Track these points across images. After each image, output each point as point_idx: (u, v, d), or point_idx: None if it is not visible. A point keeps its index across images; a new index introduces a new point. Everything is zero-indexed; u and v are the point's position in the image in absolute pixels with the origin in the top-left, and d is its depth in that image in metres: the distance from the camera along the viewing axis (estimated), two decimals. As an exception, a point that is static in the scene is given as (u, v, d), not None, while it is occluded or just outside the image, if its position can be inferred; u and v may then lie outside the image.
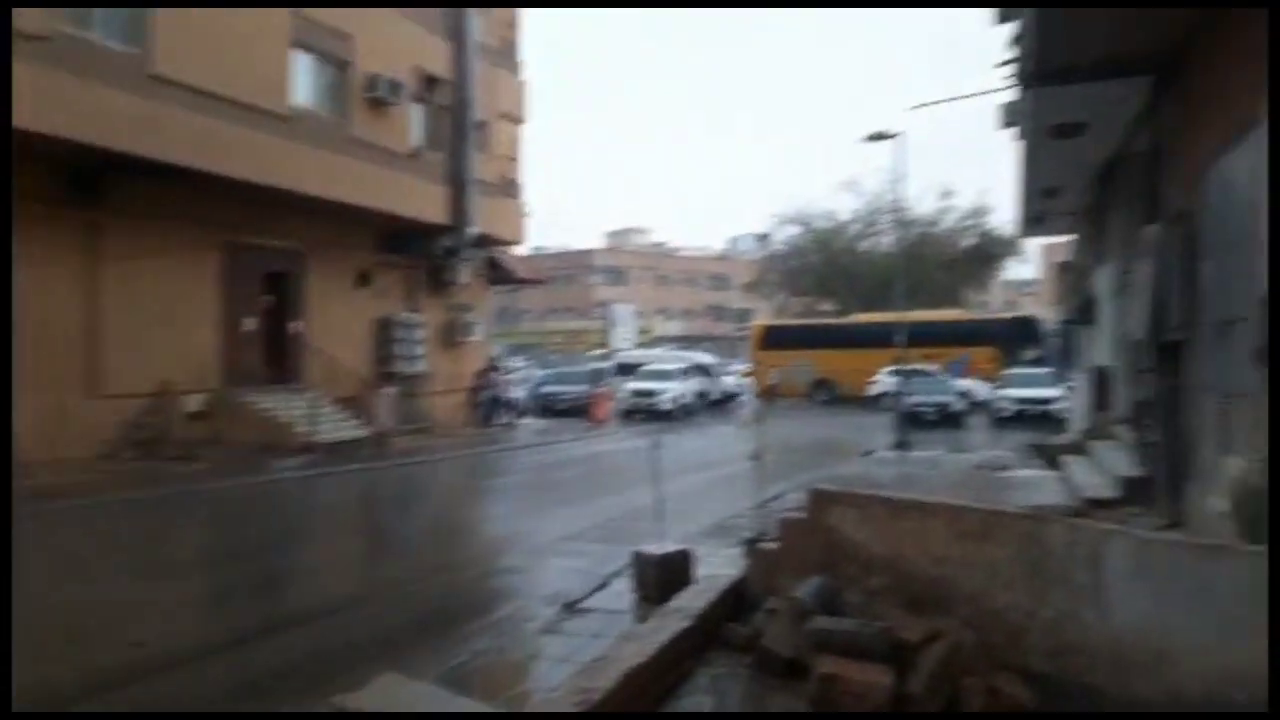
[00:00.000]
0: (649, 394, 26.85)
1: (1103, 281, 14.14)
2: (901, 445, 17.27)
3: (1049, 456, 13.84)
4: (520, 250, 32.17)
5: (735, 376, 30.36)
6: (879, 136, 19.85)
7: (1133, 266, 11.69)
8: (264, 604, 6.61)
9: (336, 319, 19.52)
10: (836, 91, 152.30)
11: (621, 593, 6.34)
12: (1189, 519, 7.10)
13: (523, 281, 28.29)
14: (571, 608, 6.07)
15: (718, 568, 6.63)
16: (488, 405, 23.53)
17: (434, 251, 21.86)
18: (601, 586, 6.57)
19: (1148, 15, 6.94)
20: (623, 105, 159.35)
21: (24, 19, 12.34)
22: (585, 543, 8.61)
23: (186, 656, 5.36)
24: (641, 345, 53.68)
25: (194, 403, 16.05)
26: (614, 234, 79.43)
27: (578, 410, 26.91)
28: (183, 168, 14.84)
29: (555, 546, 8.39)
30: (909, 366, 26.70)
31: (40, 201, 13.78)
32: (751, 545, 7.45)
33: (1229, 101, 6.23)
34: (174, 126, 14.54)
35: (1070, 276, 16.29)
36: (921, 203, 47.15)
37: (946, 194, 48.52)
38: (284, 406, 16.45)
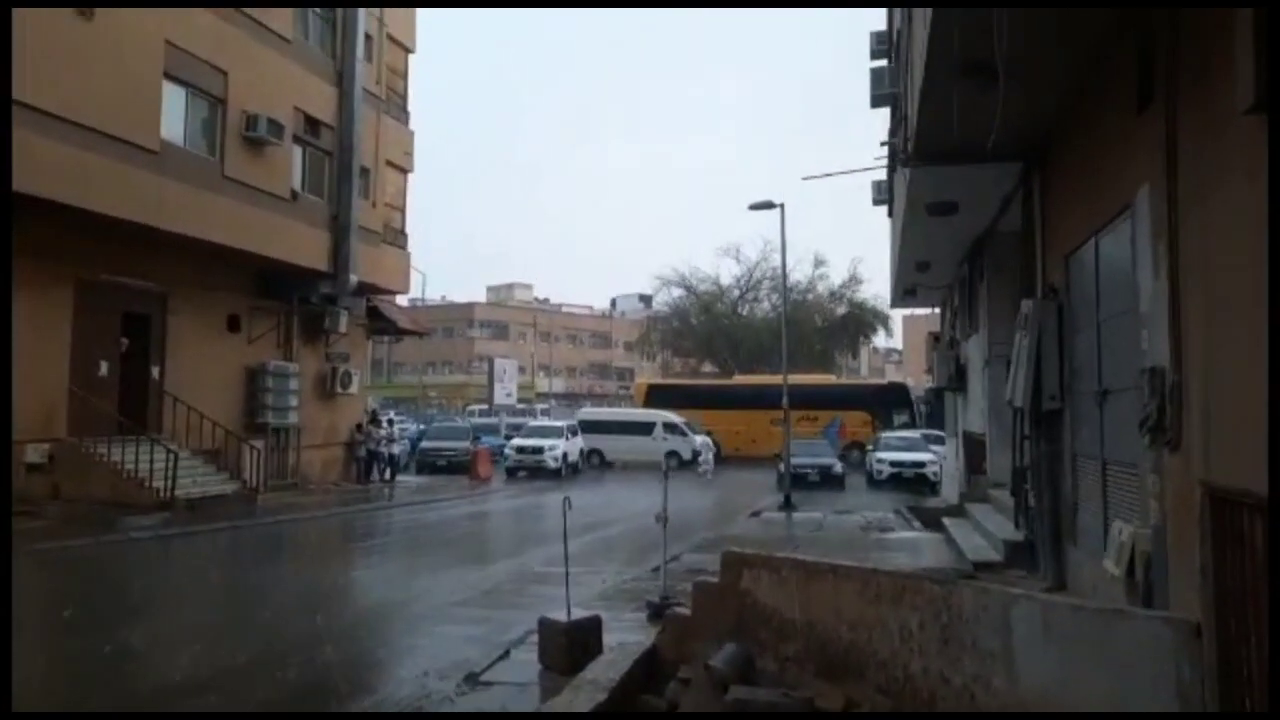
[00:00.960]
0: (535, 451, 26.36)
1: (973, 352, 15.00)
2: (787, 506, 17.56)
3: (928, 518, 14.36)
4: (399, 300, 31.41)
5: (702, 435, 30.49)
6: (763, 205, 20.58)
7: (1003, 338, 12.45)
8: (111, 685, 5.88)
9: (203, 365, 18.26)
10: (718, 157, 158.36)
11: (526, 662, 6.01)
12: (1072, 581, 7.42)
13: (404, 332, 27.49)
14: (473, 680, 5.69)
15: (623, 634, 6.42)
16: (365, 460, 22.50)
17: (311, 298, 20.96)
18: (503, 656, 6.20)
19: (1020, 108, 7.44)
20: (506, 158, 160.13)
21: None
22: (478, 608, 8.18)
23: None
24: (524, 400, 53.05)
25: (35, 453, 14.54)
26: (495, 289, 78.91)
27: (458, 467, 26.14)
28: (32, 197, 13.65)
29: (447, 612, 7.92)
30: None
31: None
32: (657, 610, 7.30)
33: (1101, 187, 6.73)
34: (26, 153, 13.39)
35: (941, 346, 17.20)
36: (797, 270, 49.26)
37: (820, 263, 50.97)
38: (139, 459, 15.12)
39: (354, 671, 6.20)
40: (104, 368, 16.30)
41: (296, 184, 19.87)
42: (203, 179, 16.99)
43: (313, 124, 20.37)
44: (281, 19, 19.17)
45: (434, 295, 69.44)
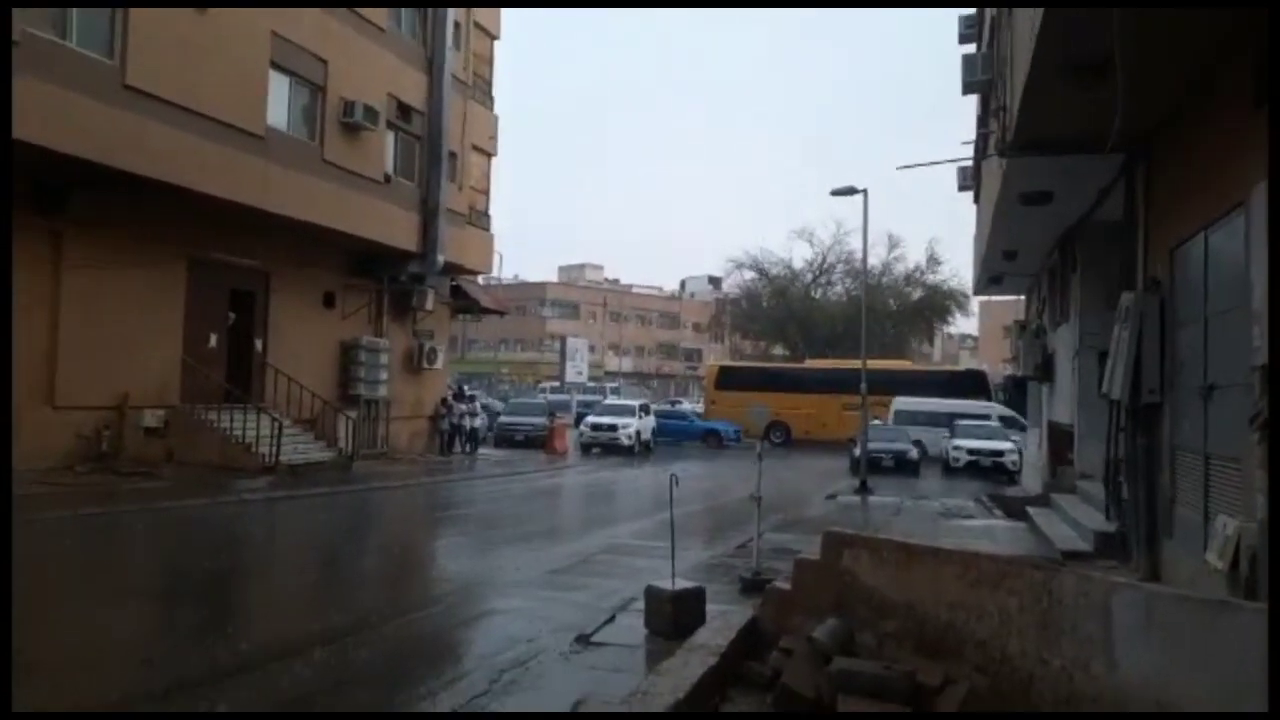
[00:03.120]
0: (609, 429, 26.89)
1: (1062, 342, 14.79)
2: (863, 490, 17.64)
3: (1010, 507, 14.29)
4: (473, 279, 32.14)
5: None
6: (846, 191, 20.48)
7: (1095, 329, 12.29)
8: (248, 633, 6.45)
9: (300, 340, 19.21)
10: (787, 141, 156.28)
11: (632, 627, 6.37)
12: (1166, 573, 7.44)
13: (486, 311, 28.26)
14: (584, 641, 6.08)
15: (716, 605, 6.71)
16: (448, 433, 23.34)
17: (401, 277, 21.77)
18: (609, 620, 6.59)
19: (1129, 102, 7.40)
20: (578, 140, 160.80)
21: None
22: (577, 576, 8.60)
23: (162, 691, 5.09)
24: (593, 379, 53.75)
25: (152, 418, 15.57)
26: (567, 268, 79.75)
27: (535, 441, 26.83)
28: (153, 181, 14.54)
29: (548, 579, 8.36)
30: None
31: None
32: (749, 584, 7.61)
33: (1212, 182, 6.69)
34: (147, 139, 14.27)
35: (1027, 335, 16.97)
36: (871, 253, 48.59)
37: (895, 245, 50.15)
38: (245, 426, 16.05)
39: (467, 631, 6.66)
40: (213, 340, 17.30)
41: (389, 168, 20.61)
42: (304, 163, 17.79)
43: (404, 110, 21.06)
44: (376, 9, 19.82)
45: (507, 274, 70.69)
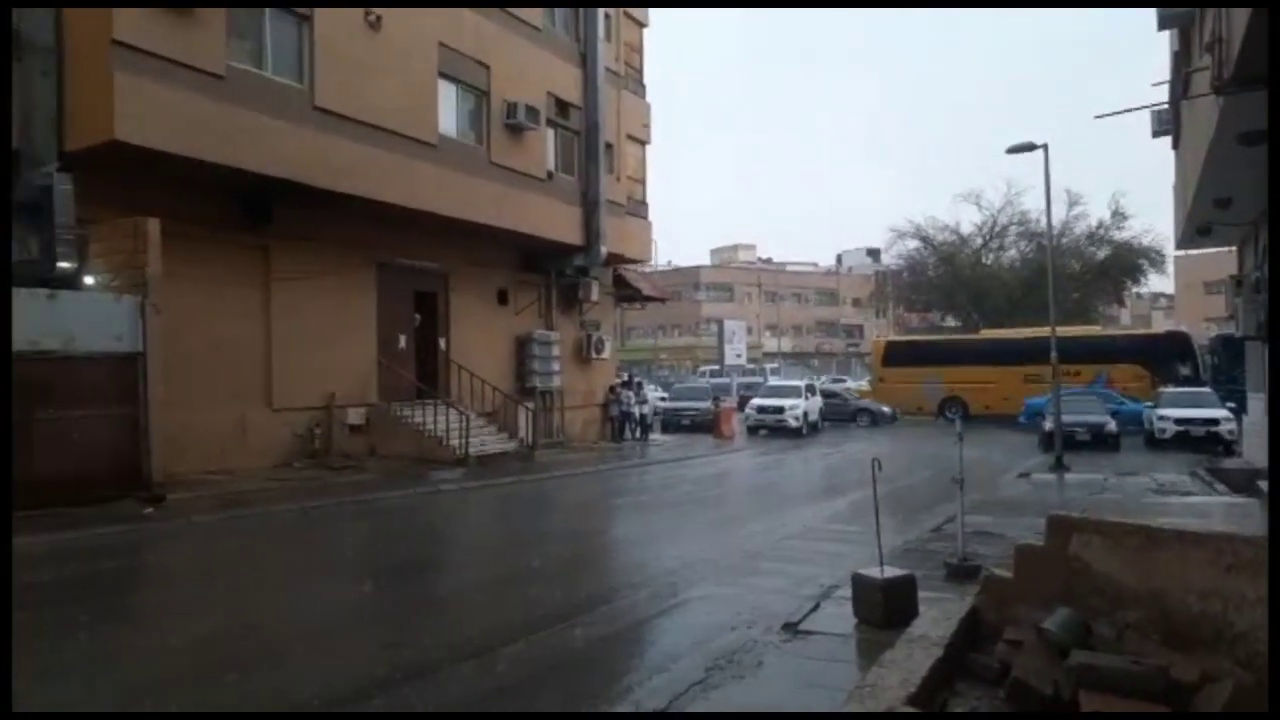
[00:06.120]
0: (776, 410, 26.62)
1: (1292, 295, 13.18)
2: (1058, 467, 16.54)
3: (1234, 482, 12.95)
4: (631, 267, 32.54)
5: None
6: (1023, 148, 19.15)
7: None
8: (479, 617, 6.83)
9: (478, 336, 20.19)
10: (939, 107, 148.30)
11: (838, 615, 6.25)
12: None
13: (648, 299, 28.60)
14: (793, 629, 6.01)
15: (924, 592, 6.46)
16: (619, 420, 23.87)
17: (566, 270, 22.40)
18: (815, 609, 6.49)
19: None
20: (722, 121, 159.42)
21: (203, 58, 13.21)
22: (770, 561, 8.55)
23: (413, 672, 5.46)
24: (752, 360, 53.37)
25: (355, 416, 16.85)
26: (719, 250, 79.46)
27: (701, 425, 26.97)
28: (342, 194, 15.62)
29: (742, 565, 8.35)
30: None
31: (217, 227, 14.80)
32: (954, 571, 7.30)
33: None
34: (335, 156, 15.37)
35: (1245, 290, 15.23)
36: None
37: (1075, 202, 46.36)
38: (436, 420, 17.04)
39: (672, 618, 6.72)
40: (402, 341, 18.47)
41: (551, 164, 21.20)
42: (474, 166, 18.60)
43: (562, 106, 21.57)
44: (531, 8, 20.37)
45: (660, 261, 71.24)
